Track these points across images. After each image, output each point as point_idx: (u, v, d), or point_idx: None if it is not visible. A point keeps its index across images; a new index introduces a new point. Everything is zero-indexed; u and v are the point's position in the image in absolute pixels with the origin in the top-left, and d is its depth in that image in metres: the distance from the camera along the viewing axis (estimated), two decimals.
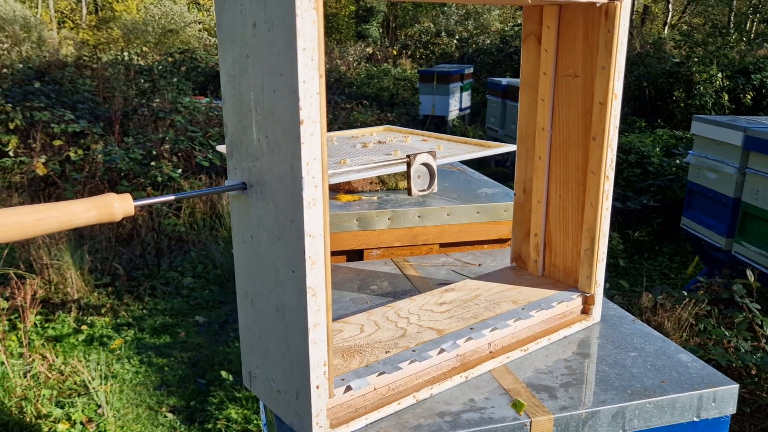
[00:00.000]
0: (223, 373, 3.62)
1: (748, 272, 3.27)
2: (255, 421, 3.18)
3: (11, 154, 6.52)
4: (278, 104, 0.71)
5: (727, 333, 3.08)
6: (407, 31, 15.33)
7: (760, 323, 3.12)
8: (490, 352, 0.98)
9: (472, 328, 0.98)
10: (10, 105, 6.67)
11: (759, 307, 3.15)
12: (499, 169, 7.31)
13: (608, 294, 3.50)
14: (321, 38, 0.67)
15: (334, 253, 1.47)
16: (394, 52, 13.28)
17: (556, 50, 1.07)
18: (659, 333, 1.08)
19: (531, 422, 0.84)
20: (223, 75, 0.80)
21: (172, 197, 0.78)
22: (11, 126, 6.58)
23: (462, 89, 9.30)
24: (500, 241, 1.57)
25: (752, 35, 12.74)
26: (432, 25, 13.59)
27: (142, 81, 9.53)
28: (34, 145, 6.55)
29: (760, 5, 14.32)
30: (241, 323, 0.90)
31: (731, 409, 0.94)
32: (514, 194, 1.20)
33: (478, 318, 1.01)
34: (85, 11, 25.76)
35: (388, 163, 0.99)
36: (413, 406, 0.87)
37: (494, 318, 1.01)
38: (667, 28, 15.58)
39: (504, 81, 7.60)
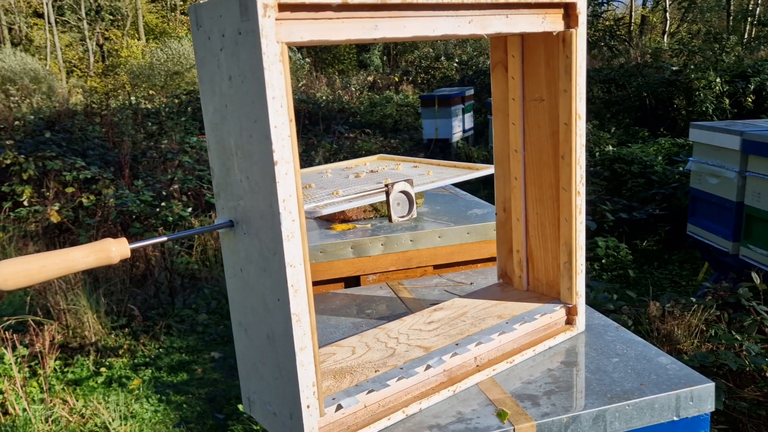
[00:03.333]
0: (240, 407, 3.66)
1: (754, 275, 3.28)
2: None
3: (26, 203, 6.68)
4: (255, 148, 0.78)
5: (738, 337, 3.09)
6: (407, 57, 15.55)
7: None
8: (477, 365, 1.04)
9: (457, 344, 1.03)
10: (23, 156, 6.85)
11: (767, 309, 3.16)
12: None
13: (616, 305, 3.52)
14: (288, 86, 0.74)
15: (332, 281, 1.54)
16: (396, 79, 13.47)
17: (522, 77, 1.13)
18: (641, 338, 1.13)
19: (514, 429, 0.89)
20: (207, 123, 0.87)
21: (164, 238, 0.85)
22: (24, 176, 6.75)
23: (464, 111, 9.41)
24: (492, 259, 1.62)
25: (749, 38, 12.79)
26: (431, 50, 13.79)
27: (150, 124, 9.74)
28: (48, 193, 6.71)
29: (756, 8, 14.41)
30: (237, 351, 0.95)
31: (710, 407, 0.98)
32: (496, 214, 1.25)
33: (464, 334, 1.06)
34: (92, 59, 26.36)
35: (368, 192, 1.06)
36: (403, 420, 0.92)
37: (479, 333, 1.06)
38: (666, 36, 15.69)
39: None
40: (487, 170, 1.68)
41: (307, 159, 8.07)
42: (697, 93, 8.04)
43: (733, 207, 4.07)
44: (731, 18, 14.64)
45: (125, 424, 3.53)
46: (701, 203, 4.43)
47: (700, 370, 2.96)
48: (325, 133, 10.34)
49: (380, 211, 1.67)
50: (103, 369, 4.23)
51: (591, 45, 11.93)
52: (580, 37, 1.04)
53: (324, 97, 12.26)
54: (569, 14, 1.03)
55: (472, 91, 9.85)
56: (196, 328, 4.81)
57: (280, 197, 0.76)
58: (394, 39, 0.84)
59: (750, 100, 8.29)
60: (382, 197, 1.02)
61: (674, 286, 4.94)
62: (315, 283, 1.53)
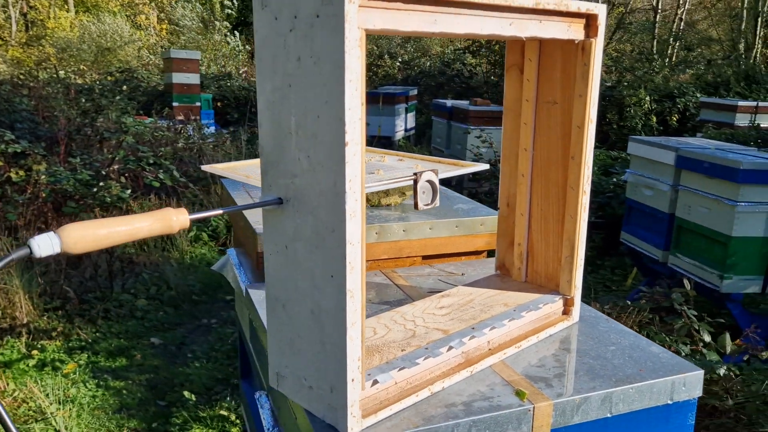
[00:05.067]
0: (186, 393, 3.60)
1: (685, 282, 3.52)
2: None
3: None
4: (322, 128, 0.81)
5: (668, 339, 3.31)
6: None
7: (697, 328, 3.36)
8: (489, 349, 1.10)
9: (473, 328, 1.09)
10: None
11: (696, 314, 3.40)
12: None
13: None
14: (363, 72, 0.78)
15: None
16: None
17: (537, 80, 1.20)
18: (631, 330, 1.22)
19: (534, 408, 0.96)
20: (262, 101, 0.89)
21: (220, 211, 0.86)
22: None
23: (407, 110, 9.53)
24: (476, 252, 1.69)
25: (674, 61, 13.56)
26: (375, 48, 13.85)
27: (84, 100, 9.33)
28: None
29: (680, 33, 15.27)
30: (270, 327, 0.98)
31: (698, 392, 1.08)
32: (498, 208, 1.32)
33: (477, 319, 1.12)
34: (15, 28, 24.88)
35: (400, 179, 1.10)
36: (429, 398, 0.97)
37: (491, 319, 1.13)
38: None
39: (449, 103, 7.85)
40: (473, 167, 1.75)
41: (253, 149, 7.96)
42: (628, 109, 8.47)
43: (665, 218, 4.34)
44: (655, 41, 15.47)
45: (62, 409, 3.41)
46: (635, 213, 4.70)
47: None
48: None
49: (371, 201, 1.71)
50: (35, 352, 4.05)
51: None
52: (598, 46, 1.12)
53: None
54: (590, 24, 1.11)
55: (416, 91, 9.98)
56: (135, 314, 4.68)
57: (348, 177, 0.79)
58: (448, 34, 0.89)
59: (675, 119, 8.81)
60: (409, 183, 1.06)
61: (606, 290, 5.21)
62: None
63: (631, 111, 8.39)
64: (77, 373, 3.91)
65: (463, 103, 7.66)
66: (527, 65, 1.21)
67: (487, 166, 1.78)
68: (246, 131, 9.03)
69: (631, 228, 4.75)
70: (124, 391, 3.79)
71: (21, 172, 6.25)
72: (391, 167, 1.75)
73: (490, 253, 1.75)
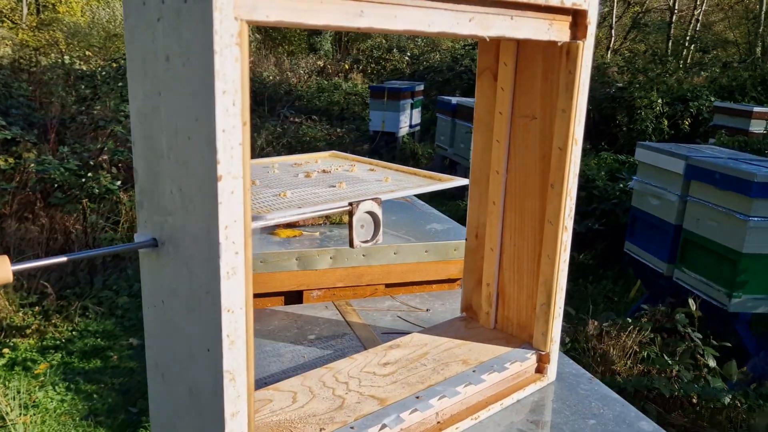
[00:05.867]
0: None
1: (690, 301, 3.30)
2: None
3: None
4: (193, 154, 0.60)
5: (670, 362, 3.09)
6: (359, 45, 15.31)
7: (701, 353, 3.14)
8: (438, 422, 0.89)
9: (417, 397, 0.88)
10: None
11: (701, 336, 3.18)
12: (457, 203, 6.80)
13: None
14: (245, 79, 0.57)
15: (271, 294, 1.36)
16: (346, 67, 13.23)
17: (513, 89, 0.99)
18: (618, 395, 1.01)
19: None
20: (133, 112, 0.68)
21: (64, 258, 0.66)
22: None
23: (412, 106, 9.29)
24: (449, 281, 1.48)
25: (688, 63, 13.25)
26: (384, 41, 13.60)
27: (83, 87, 9.15)
28: None
29: (696, 35, 14.94)
30: (151, 398, 0.77)
31: None
32: (466, 239, 1.11)
33: (425, 383, 0.91)
34: (25, 11, 24.80)
35: (330, 209, 0.89)
36: None
37: (443, 383, 0.91)
38: (609, 52, 16.06)
39: (454, 100, 7.61)
40: (452, 182, 1.54)
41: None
42: (638, 111, 8.19)
43: (671, 230, 4.10)
44: (670, 42, 15.12)
45: (25, 414, 3.23)
46: (640, 223, 4.46)
47: (633, 395, 2.94)
48: (269, 115, 10.03)
49: (331, 218, 1.50)
50: (6, 350, 3.88)
51: None
52: (587, 51, 0.90)
53: (271, 77, 11.91)
54: (577, 23, 0.89)
55: (422, 87, 9.74)
56: (116, 312, 4.50)
57: (222, 222, 0.58)
58: (381, 30, 0.68)
59: (687, 123, 8.53)
60: (341, 213, 0.85)
61: (607, 302, 4.98)
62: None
63: (642, 114, 8.11)
64: (47, 374, 3.73)
65: (469, 101, 7.41)
66: (502, 70, 0.99)
67: (466, 181, 1.57)
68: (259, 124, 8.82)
69: (635, 238, 4.51)
70: (95, 395, 3.61)
71: (10, 160, 6.08)
72: (358, 179, 1.54)
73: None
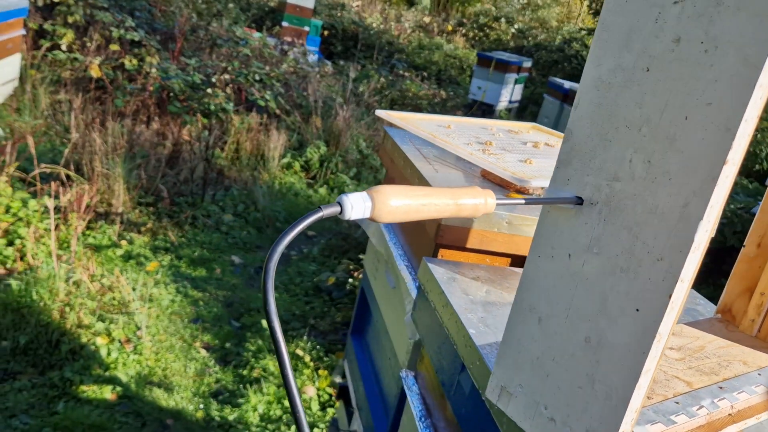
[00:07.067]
0: (264, 322, 3.59)
1: None
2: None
3: (63, 48, 6.38)
4: (687, 133, 0.64)
5: None
6: (464, 8, 15.04)
7: None
8: (730, 414, 0.94)
9: (721, 387, 0.93)
10: None
11: None
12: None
13: None
14: None
15: (498, 254, 1.42)
16: (449, 28, 13.05)
17: None
18: None
19: None
20: (590, 78, 0.73)
21: (522, 201, 0.72)
22: (70, 20, 6.42)
23: (516, 81, 9.16)
24: None
25: None
26: (493, 9, 13.33)
27: (200, 1, 9.32)
28: (89, 44, 6.41)
29: None
30: (509, 335, 0.84)
31: None
32: (744, 246, 1.13)
33: (719, 375, 0.96)
34: None
35: None
36: None
37: (736, 379, 0.96)
38: None
39: (566, 84, 7.47)
40: None
41: (354, 90, 7.79)
42: (756, 134, 7.87)
43: None
44: None
45: (143, 306, 3.45)
46: None
47: None
48: (376, 63, 10.02)
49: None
50: (123, 242, 4.12)
51: None
52: None
53: (375, 25, 11.85)
54: None
55: (530, 63, 9.57)
56: (221, 227, 4.70)
57: (711, 202, 0.62)
58: None
59: None
60: None
61: None
62: (481, 252, 1.41)
63: (758, 137, 7.81)
64: (159, 273, 3.95)
65: None
66: None
67: None
68: (355, 68, 8.86)
69: None
70: (201, 302, 3.81)
71: (135, 61, 6.30)
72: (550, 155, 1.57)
73: None
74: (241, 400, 2.96)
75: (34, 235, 3.61)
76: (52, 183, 3.74)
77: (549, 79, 8.07)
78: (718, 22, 0.62)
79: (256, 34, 8.48)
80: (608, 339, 0.72)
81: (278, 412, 2.94)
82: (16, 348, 2.96)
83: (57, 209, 3.83)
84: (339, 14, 11.30)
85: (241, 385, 3.09)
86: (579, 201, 0.74)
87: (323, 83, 7.67)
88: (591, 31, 11.12)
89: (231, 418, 2.88)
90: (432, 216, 0.62)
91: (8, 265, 3.53)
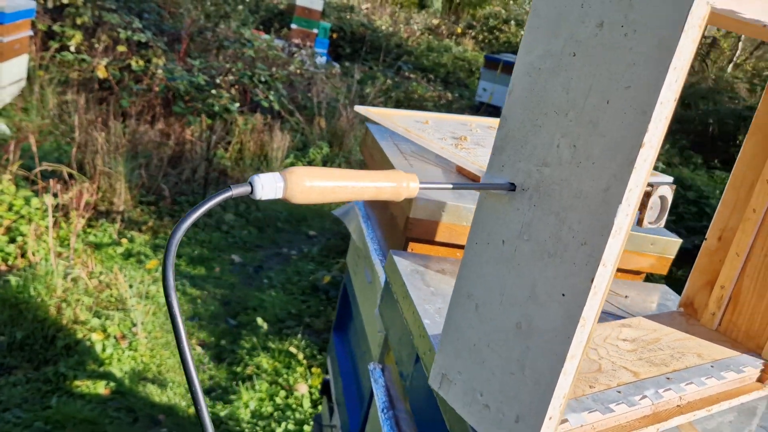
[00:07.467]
0: (259, 320, 3.60)
1: None
2: (284, 376, 3.18)
3: (72, 49, 6.45)
4: (608, 117, 0.64)
5: None
6: (474, 11, 15.02)
7: None
8: (678, 406, 0.93)
9: (668, 378, 0.92)
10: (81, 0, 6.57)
11: None
12: None
13: None
14: (690, 59, 0.60)
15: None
16: (459, 30, 13.04)
17: None
18: None
19: None
20: (522, 65, 0.73)
21: (449, 185, 0.72)
22: (78, 21, 6.50)
23: None
24: (635, 272, 1.51)
25: None
26: (503, 11, 13.31)
27: (208, 3, 9.39)
28: (97, 45, 6.48)
29: None
30: (449, 322, 0.84)
31: None
32: (705, 239, 1.13)
33: (669, 367, 0.96)
34: None
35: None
36: None
37: (686, 371, 0.95)
38: (731, 66, 15.23)
39: None
40: (657, 177, 1.54)
41: (359, 91, 7.81)
42: None
43: None
44: None
45: (140, 303, 3.47)
46: None
47: None
48: (382, 65, 10.04)
49: None
50: (124, 240, 4.15)
51: None
52: None
53: (383, 27, 11.87)
54: None
55: None
56: (221, 227, 4.73)
57: (630, 185, 0.62)
58: None
59: None
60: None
61: None
62: (451, 246, 1.42)
63: None
64: (158, 270, 3.98)
65: None
66: None
67: (669, 179, 1.57)
68: (361, 70, 8.88)
69: None
70: (199, 300, 3.84)
71: (141, 62, 6.36)
72: None
73: (647, 278, 1.56)
74: (233, 397, 2.98)
75: (35, 233, 3.66)
76: (50, 181, 3.78)
77: None
78: (636, 6, 0.62)
79: (264, 36, 8.53)
80: (537, 325, 0.72)
81: (269, 409, 2.95)
82: (13, 343, 2.99)
83: (58, 207, 3.87)
84: (348, 17, 11.33)
85: (234, 382, 3.11)
86: (511, 187, 0.74)
87: (329, 84, 7.70)
88: None
89: (222, 414, 2.89)
90: (349, 198, 0.62)
91: (9, 262, 3.57)
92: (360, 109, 1.69)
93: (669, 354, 1.00)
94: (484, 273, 0.79)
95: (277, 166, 5.69)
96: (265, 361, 3.24)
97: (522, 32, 12.63)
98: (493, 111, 9.05)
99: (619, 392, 0.86)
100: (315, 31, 9.88)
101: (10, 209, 3.83)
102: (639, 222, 0.84)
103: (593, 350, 0.96)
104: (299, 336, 3.47)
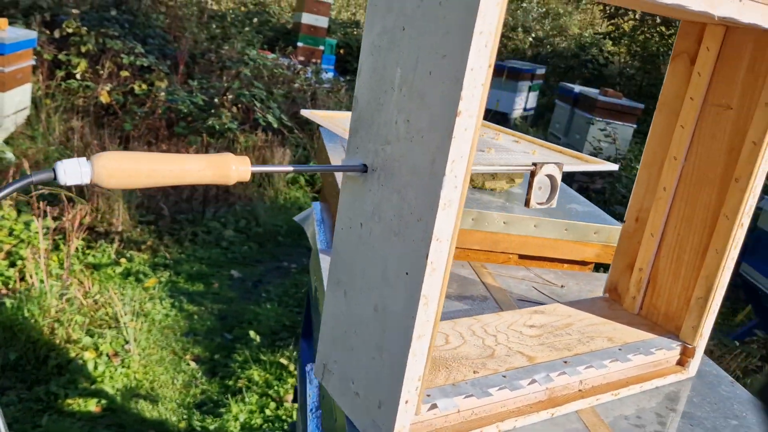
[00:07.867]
0: (252, 333, 3.61)
1: None
2: (275, 387, 3.17)
3: (78, 77, 6.59)
4: (431, 88, 0.63)
5: None
6: None
7: None
8: (580, 390, 0.90)
9: (565, 362, 0.89)
10: (85, 28, 6.73)
11: None
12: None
13: None
14: (500, 24, 0.59)
15: None
16: None
17: (710, 75, 0.96)
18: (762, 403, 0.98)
19: None
20: (366, 44, 0.72)
21: (290, 168, 0.71)
22: (83, 50, 6.64)
23: (530, 89, 9.09)
24: (582, 263, 1.48)
25: None
26: (510, 19, 13.28)
27: (214, 26, 9.54)
28: (102, 72, 6.61)
29: None
30: (326, 311, 0.83)
31: None
32: (624, 221, 1.10)
33: (572, 351, 0.93)
34: None
35: (515, 166, 0.91)
36: None
37: (589, 354, 0.93)
38: None
39: (576, 89, 7.38)
40: (599, 165, 1.52)
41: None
42: None
43: None
44: None
45: (136, 321, 3.50)
46: (763, 245, 4.21)
47: None
48: None
49: (474, 182, 1.52)
50: (123, 260, 4.20)
51: None
52: None
53: None
54: None
55: (543, 71, 9.49)
56: (221, 243, 4.76)
57: (451, 156, 0.61)
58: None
59: None
60: (523, 171, 0.87)
61: None
62: None
63: None
64: (156, 289, 4.02)
65: (592, 91, 7.17)
66: (702, 55, 0.97)
67: (615, 167, 1.54)
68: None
69: (755, 261, 4.26)
70: (196, 317, 3.86)
71: (144, 86, 6.47)
72: (505, 148, 1.55)
73: (596, 267, 1.53)
74: (222, 410, 2.98)
75: (34, 256, 3.72)
76: (41, 203, 3.84)
77: (560, 85, 7.98)
78: None
79: (270, 55, 8.63)
80: (389, 306, 0.70)
81: (259, 421, 2.94)
82: (6, 364, 3.03)
83: (55, 229, 3.94)
84: (354, 32, 11.41)
85: (225, 396, 3.11)
86: (364, 168, 0.73)
87: (334, 99, 7.74)
88: (606, 35, 10.99)
89: (212, 428, 2.89)
90: (170, 182, 0.62)
91: (10, 286, 3.63)
92: (306, 112, 1.69)
93: (576, 339, 0.97)
94: (349, 257, 0.78)
95: (279, 180, 5.72)
96: (256, 373, 3.24)
97: (529, 39, 12.60)
98: (501, 118, 9.01)
99: (504, 377, 0.83)
100: (321, 47, 9.97)
101: (10, 234, 3.91)
102: (526, 203, 0.83)
103: (491, 336, 0.93)
104: (291, 347, 3.47)
